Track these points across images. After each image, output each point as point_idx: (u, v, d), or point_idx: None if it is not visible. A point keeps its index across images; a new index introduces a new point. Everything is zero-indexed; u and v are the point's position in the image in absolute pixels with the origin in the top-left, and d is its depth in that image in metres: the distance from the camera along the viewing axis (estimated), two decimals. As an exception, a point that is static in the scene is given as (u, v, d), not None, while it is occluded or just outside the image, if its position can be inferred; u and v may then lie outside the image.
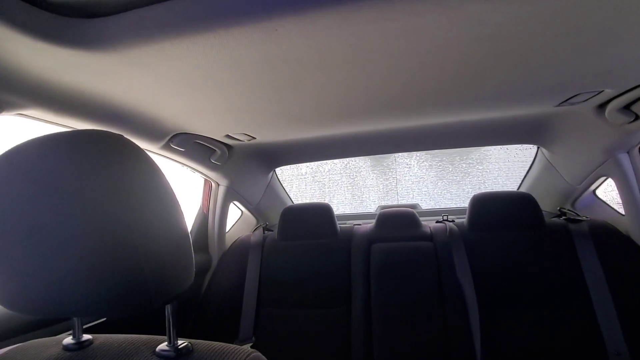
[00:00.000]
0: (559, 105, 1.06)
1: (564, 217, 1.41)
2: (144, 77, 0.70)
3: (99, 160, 0.38)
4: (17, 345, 0.52)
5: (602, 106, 1.06)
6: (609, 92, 0.95)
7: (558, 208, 1.52)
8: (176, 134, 1.11)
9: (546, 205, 1.59)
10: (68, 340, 0.50)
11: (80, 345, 0.50)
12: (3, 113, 0.67)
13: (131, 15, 0.55)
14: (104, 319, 1.07)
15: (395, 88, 0.84)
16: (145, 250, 0.38)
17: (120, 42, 0.58)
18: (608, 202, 1.45)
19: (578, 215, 1.39)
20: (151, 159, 0.44)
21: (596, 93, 0.95)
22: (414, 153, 2.26)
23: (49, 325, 0.90)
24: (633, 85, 0.91)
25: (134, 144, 0.43)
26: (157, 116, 0.95)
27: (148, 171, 0.42)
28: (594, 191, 1.47)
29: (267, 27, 0.54)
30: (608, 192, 1.48)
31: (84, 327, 0.96)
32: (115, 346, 0.49)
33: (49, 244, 0.36)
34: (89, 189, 0.36)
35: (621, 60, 0.74)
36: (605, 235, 1.27)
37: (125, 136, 0.43)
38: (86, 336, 0.52)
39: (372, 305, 1.31)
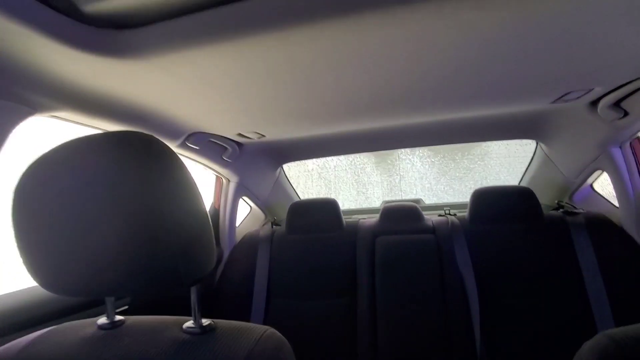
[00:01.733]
0: (554, 102, 1.11)
1: (561, 210, 1.46)
2: (166, 81, 0.76)
3: (135, 158, 0.43)
4: (54, 327, 0.57)
5: (594, 103, 1.11)
6: (599, 90, 1.00)
7: (556, 201, 1.57)
8: (192, 132, 1.17)
9: (545, 198, 1.64)
10: (102, 320, 0.55)
11: (113, 324, 0.54)
12: (37, 114, 0.73)
13: (158, 27, 0.61)
14: (126, 307, 1.14)
15: (398, 87, 0.89)
16: (175, 236, 0.43)
17: (147, 51, 0.64)
18: (605, 195, 1.50)
19: (575, 208, 1.43)
20: (178, 157, 0.48)
21: (587, 91, 1.00)
22: (417, 150, 2.31)
23: (83, 310, 0.98)
24: (621, 83, 0.95)
25: (164, 143, 0.47)
26: (176, 116, 1.01)
27: (176, 167, 0.46)
28: (591, 184, 1.51)
29: (279, 36, 0.59)
30: (605, 185, 1.52)
31: None
32: (146, 324, 0.54)
33: (90, 231, 0.41)
34: (127, 182, 0.41)
35: (609, 59, 0.78)
36: (600, 226, 1.32)
37: None
38: (119, 317, 0.56)
39: (377, 295, 1.36)
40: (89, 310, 0.99)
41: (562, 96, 1.05)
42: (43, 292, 0.48)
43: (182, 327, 0.52)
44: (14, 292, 0.87)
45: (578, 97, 1.06)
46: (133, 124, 0.95)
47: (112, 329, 0.53)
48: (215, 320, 0.54)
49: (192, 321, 0.52)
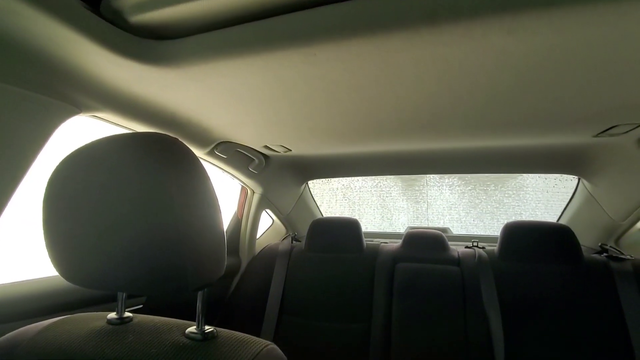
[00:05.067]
0: (597, 135, 1.04)
1: (605, 254, 1.33)
2: (198, 90, 0.80)
3: (158, 159, 0.44)
4: (68, 316, 0.59)
5: None
6: None
7: (599, 244, 1.44)
8: (221, 141, 1.21)
9: (586, 240, 1.51)
10: (112, 315, 0.57)
11: (122, 320, 0.56)
12: (81, 114, 0.79)
13: (194, 39, 0.65)
14: (140, 305, 1.17)
15: (426, 111, 0.87)
16: (187, 240, 0.43)
17: (183, 61, 0.68)
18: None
19: (621, 253, 1.30)
20: (200, 162, 0.49)
21: (636, 125, 0.93)
22: (446, 178, 2.23)
23: (100, 303, 1.01)
24: None
25: (187, 146, 0.49)
26: (206, 125, 1.05)
27: (196, 172, 0.47)
28: (640, 229, 1.38)
29: (307, 52, 0.61)
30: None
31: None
32: (151, 325, 0.55)
33: (109, 225, 0.43)
34: (148, 183, 0.42)
35: None
36: None
37: None
38: (128, 314, 0.58)
39: (392, 325, 1.29)
40: (106, 304, 1.02)
41: (607, 130, 0.98)
42: (65, 282, 0.50)
43: (184, 332, 0.52)
44: (40, 279, 0.92)
45: (625, 132, 0.98)
46: (166, 128, 1.00)
47: (120, 325, 0.55)
48: (218, 328, 0.53)
49: (195, 327, 0.52)
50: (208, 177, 0.50)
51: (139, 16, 0.62)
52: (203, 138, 1.14)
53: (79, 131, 0.89)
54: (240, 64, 0.67)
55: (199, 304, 0.53)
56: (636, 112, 0.83)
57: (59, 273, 0.49)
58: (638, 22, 0.49)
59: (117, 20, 0.63)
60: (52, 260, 0.49)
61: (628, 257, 1.27)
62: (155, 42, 0.68)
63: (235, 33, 0.62)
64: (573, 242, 1.28)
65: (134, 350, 0.48)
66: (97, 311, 0.64)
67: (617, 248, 1.37)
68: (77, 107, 0.77)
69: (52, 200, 0.47)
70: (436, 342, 1.22)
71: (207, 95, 0.83)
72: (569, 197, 1.65)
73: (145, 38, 0.68)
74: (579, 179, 1.54)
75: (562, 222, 1.69)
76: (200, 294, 0.53)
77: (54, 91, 0.71)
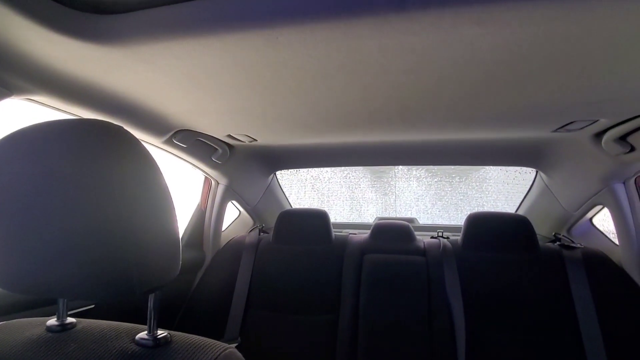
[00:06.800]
0: (556, 131, 1.08)
1: (558, 243, 1.41)
2: (149, 73, 0.73)
3: (97, 149, 0.39)
4: (2, 322, 0.53)
5: (598, 135, 1.07)
6: (604, 122, 0.96)
7: (553, 233, 1.52)
8: (179, 130, 1.13)
9: (542, 229, 1.59)
10: (52, 321, 0.51)
11: (63, 327, 0.50)
12: (13, 96, 0.70)
13: (141, 15, 0.58)
14: (92, 305, 1.08)
15: (392, 101, 0.85)
16: (131, 240, 0.39)
17: (129, 39, 0.61)
18: (604, 232, 1.45)
19: (573, 241, 1.39)
20: (148, 152, 0.45)
21: (592, 122, 0.97)
22: (413, 171, 2.27)
23: (37, 307, 0.91)
24: (629, 117, 0.92)
25: (133, 136, 0.44)
26: (161, 112, 0.97)
27: (143, 163, 0.43)
28: (590, 219, 1.47)
29: (268, 35, 0.56)
30: (606, 221, 1.48)
31: (73, 312, 0.97)
32: (96, 331, 0.50)
33: (41, 224, 0.37)
34: (84, 176, 0.37)
35: (616, 91, 0.75)
36: (598, 264, 1.27)
37: (129, 128, 0.44)
38: (70, 319, 0.52)
39: (360, 316, 1.30)
40: (49, 307, 0.93)
41: (565, 125, 1.02)
42: None
43: (134, 338, 0.47)
44: None
45: (582, 128, 1.03)
46: (115, 115, 0.91)
47: (61, 332, 0.49)
48: (173, 332, 0.49)
49: (146, 332, 0.47)
50: (158, 169, 0.45)
51: None
52: (159, 126, 1.06)
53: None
54: (195, 45, 0.61)
55: (150, 307, 0.48)
56: (592, 109, 0.86)
57: None
58: (601, 19, 0.50)
59: None
60: None
61: (578, 245, 1.35)
62: (96, 17, 0.60)
63: (188, 9, 0.56)
64: (530, 232, 1.34)
65: None
66: (38, 316, 0.57)
67: (569, 237, 1.46)
68: (7, 89, 0.68)
69: None
70: (401, 329, 1.25)
71: (159, 78, 0.76)
72: (527, 189, 1.73)
73: (84, 12, 0.60)
74: (536, 172, 1.61)
75: (520, 212, 1.77)
76: (151, 297, 0.48)
77: None
